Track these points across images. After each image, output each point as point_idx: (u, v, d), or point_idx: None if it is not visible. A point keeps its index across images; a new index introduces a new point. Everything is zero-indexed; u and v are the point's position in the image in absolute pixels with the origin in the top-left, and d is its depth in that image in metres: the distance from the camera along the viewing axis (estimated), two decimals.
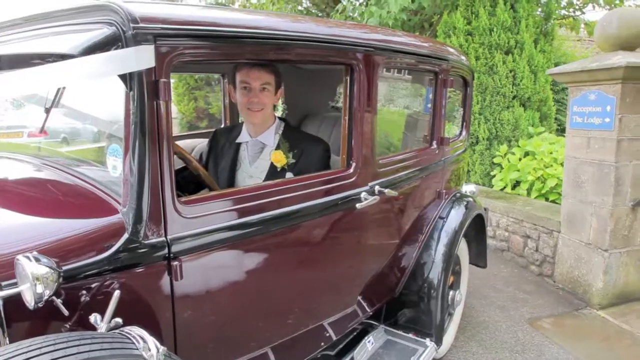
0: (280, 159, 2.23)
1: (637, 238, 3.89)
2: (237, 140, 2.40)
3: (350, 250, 2.32)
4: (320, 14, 8.83)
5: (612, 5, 7.50)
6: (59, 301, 1.30)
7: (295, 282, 2.06)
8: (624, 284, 3.93)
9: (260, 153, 2.35)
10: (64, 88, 2.04)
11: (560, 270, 4.30)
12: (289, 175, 2.22)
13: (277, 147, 2.30)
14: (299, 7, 8.80)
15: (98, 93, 1.94)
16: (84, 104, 2.28)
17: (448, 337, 3.16)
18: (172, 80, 2.06)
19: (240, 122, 2.47)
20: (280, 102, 3.95)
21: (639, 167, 3.80)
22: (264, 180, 2.26)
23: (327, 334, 2.25)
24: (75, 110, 2.51)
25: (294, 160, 2.25)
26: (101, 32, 1.40)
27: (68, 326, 1.36)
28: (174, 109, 13.49)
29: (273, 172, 2.26)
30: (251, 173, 2.35)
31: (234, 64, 2.29)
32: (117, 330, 1.29)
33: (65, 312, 1.31)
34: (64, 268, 1.31)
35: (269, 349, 1.95)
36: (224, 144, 2.47)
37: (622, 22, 3.78)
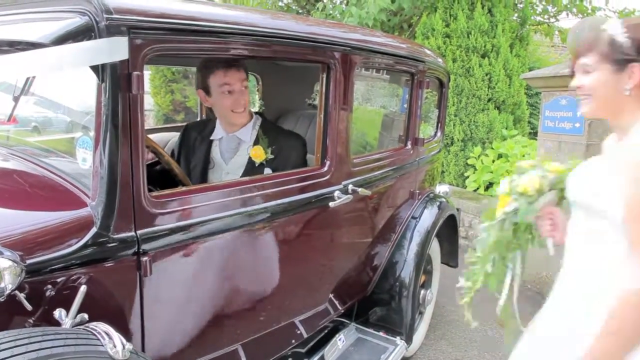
0: (260, 154, 2.21)
1: None
2: (212, 137, 2.36)
3: (323, 248, 2.33)
4: (300, 11, 8.81)
5: (585, 14, 7.68)
6: (22, 296, 1.26)
7: (267, 279, 2.06)
8: None
9: (237, 149, 2.32)
10: (33, 77, 1.99)
11: (529, 270, 4.39)
12: (267, 170, 2.21)
13: (256, 142, 2.27)
14: (280, 3, 8.76)
15: (70, 82, 1.90)
16: (56, 93, 2.23)
17: (418, 336, 3.20)
18: (148, 72, 2.01)
19: (214, 117, 2.43)
20: (257, 98, 3.93)
21: None
22: (241, 177, 2.24)
23: (298, 332, 2.26)
24: (47, 99, 2.45)
25: (272, 156, 2.23)
26: (73, 21, 1.37)
27: (31, 321, 1.32)
28: (150, 101, 13.28)
29: (251, 168, 2.24)
30: (228, 170, 2.31)
31: (200, 67, 2.24)
32: (82, 326, 1.27)
33: (29, 307, 1.28)
34: (29, 262, 1.27)
35: (239, 346, 1.95)
36: (195, 140, 2.42)
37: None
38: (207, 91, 2.22)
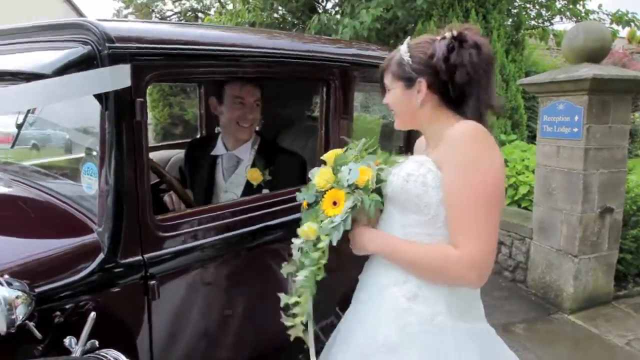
0: (256, 176, 2.23)
1: (604, 244, 4.01)
2: (212, 153, 2.38)
3: (331, 265, 2.33)
4: (296, 22, 8.86)
5: (579, 18, 7.75)
6: (31, 324, 1.27)
7: (275, 298, 2.06)
8: (593, 289, 4.05)
9: (236, 168, 2.33)
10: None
11: (532, 276, 4.39)
12: (265, 192, 2.21)
13: (253, 165, 2.29)
14: (275, 15, 8.82)
15: (74, 106, 1.92)
16: (56, 112, 2.24)
17: None
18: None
19: (216, 132, 2.45)
20: None
21: (606, 175, 3.93)
22: (240, 197, 2.25)
23: (306, 347, 2.25)
24: (46, 118, 2.46)
25: (270, 177, 2.25)
26: (76, 50, 1.40)
27: (41, 349, 1.33)
28: (148, 114, 13.30)
29: (249, 188, 2.25)
30: (226, 188, 2.32)
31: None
32: (92, 354, 1.27)
33: (39, 336, 1.29)
34: (37, 290, 1.29)
35: None
36: (198, 157, 2.44)
37: (588, 35, 3.91)
38: (219, 99, 2.27)
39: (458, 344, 1.38)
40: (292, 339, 1.59)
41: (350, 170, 1.46)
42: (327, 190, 1.47)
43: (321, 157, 1.59)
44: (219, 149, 2.37)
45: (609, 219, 3.98)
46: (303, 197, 1.52)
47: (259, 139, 2.39)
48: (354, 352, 1.49)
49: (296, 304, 1.52)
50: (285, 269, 1.56)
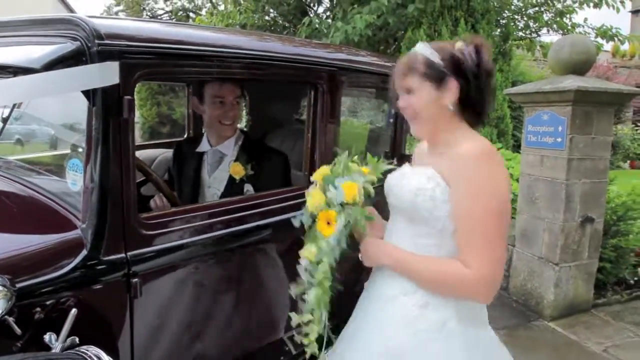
0: (239, 170, 2.25)
1: (585, 253, 4.08)
2: (198, 150, 2.41)
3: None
4: (287, 25, 8.88)
5: (565, 30, 7.89)
6: (11, 320, 1.27)
7: (258, 297, 2.07)
8: (573, 297, 4.11)
9: (220, 163, 2.36)
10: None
11: (514, 283, 4.45)
12: (247, 186, 2.25)
13: (236, 159, 2.32)
14: (266, 17, 8.83)
15: (60, 102, 1.91)
16: (42, 108, 2.23)
17: None
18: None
19: (201, 132, 2.47)
20: (244, 113, 3.95)
21: (588, 185, 4.00)
22: (222, 192, 2.28)
23: (287, 348, 2.26)
24: (32, 113, 2.44)
25: (252, 172, 2.27)
26: (65, 46, 1.39)
27: (21, 345, 1.32)
28: (135, 113, 13.21)
29: (232, 184, 2.28)
30: (209, 183, 2.35)
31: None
32: (72, 350, 1.27)
33: (18, 331, 1.28)
34: (18, 286, 1.28)
35: None
36: (186, 155, 2.46)
37: (574, 48, 3.99)
38: (200, 99, 2.30)
39: (467, 350, 1.41)
40: (307, 357, 1.58)
41: (337, 187, 1.46)
42: (320, 212, 1.47)
43: (311, 178, 1.58)
44: (203, 146, 2.40)
45: (590, 228, 4.05)
46: (300, 221, 1.52)
47: (243, 136, 2.42)
48: (362, 356, 1.49)
49: (308, 322, 1.51)
50: (294, 289, 1.55)
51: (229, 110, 2.27)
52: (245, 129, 2.53)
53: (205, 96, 2.27)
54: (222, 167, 2.35)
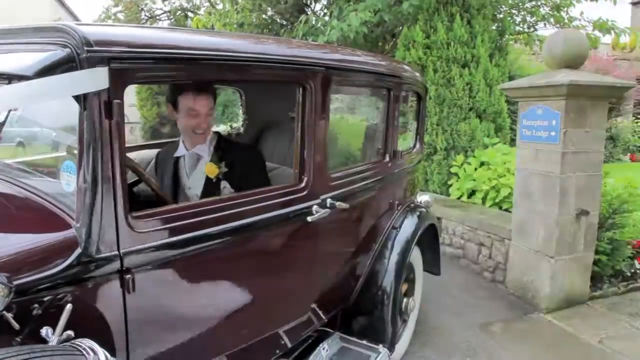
0: (213, 170, 2.35)
1: (580, 245, 4.12)
2: (175, 155, 2.51)
3: (304, 261, 2.40)
4: (284, 23, 8.92)
5: (562, 24, 7.89)
6: (9, 315, 1.32)
7: (249, 292, 2.12)
8: (569, 289, 4.15)
9: (197, 165, 2.46)
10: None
11: (511, 277, 4.49)
12: (224, 183, 2.34)
13: (211, 159, 2.41)
14: (263, 16, 8.86)
15: (56, 106, 1.96)
16: (42, 110, 2.28)
17: (403, 343, 3.26)
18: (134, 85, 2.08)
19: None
20: (240, 112, 4.01)
21: (582, 178, 4.04)
22: (202, 191, 2.36)
23: (282, 342, 2.32)
24: (32, 116, 2.50)
25: (226, 169, 2.36)
26: (55, 53, 1.44)
27: (19, 339, 1.38)
28: (136, 113, 13.28)
29: (209, 183, 2.37)
30: (189, 185, 2.45)
31: (172, 84, 2.36)
32: (67, 343, 1.33)
33: (16, 326, 1.34)
34: (16, 283, 1.34)
35: (224, 357, 2.01)
36: (165, 160, 2.58)
37: (567, 43, 4.02)
38: (175, 106, 2.36)
39: None
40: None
41: None
42: None
43: None
44: (180, 150, 2.50)
45: (585, 221, 4.08)
46: None
47: (217, 137, 2.50)
48: None
49: None
50: None
51: (203, 122, 2.35)
52: (218, 132, 2.60)
53: (180, 107, 2.33)
54: (198, 167, 2.45)
